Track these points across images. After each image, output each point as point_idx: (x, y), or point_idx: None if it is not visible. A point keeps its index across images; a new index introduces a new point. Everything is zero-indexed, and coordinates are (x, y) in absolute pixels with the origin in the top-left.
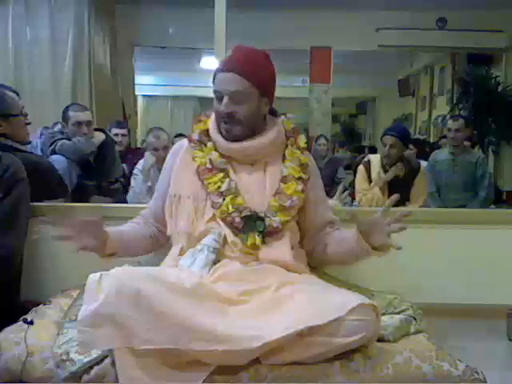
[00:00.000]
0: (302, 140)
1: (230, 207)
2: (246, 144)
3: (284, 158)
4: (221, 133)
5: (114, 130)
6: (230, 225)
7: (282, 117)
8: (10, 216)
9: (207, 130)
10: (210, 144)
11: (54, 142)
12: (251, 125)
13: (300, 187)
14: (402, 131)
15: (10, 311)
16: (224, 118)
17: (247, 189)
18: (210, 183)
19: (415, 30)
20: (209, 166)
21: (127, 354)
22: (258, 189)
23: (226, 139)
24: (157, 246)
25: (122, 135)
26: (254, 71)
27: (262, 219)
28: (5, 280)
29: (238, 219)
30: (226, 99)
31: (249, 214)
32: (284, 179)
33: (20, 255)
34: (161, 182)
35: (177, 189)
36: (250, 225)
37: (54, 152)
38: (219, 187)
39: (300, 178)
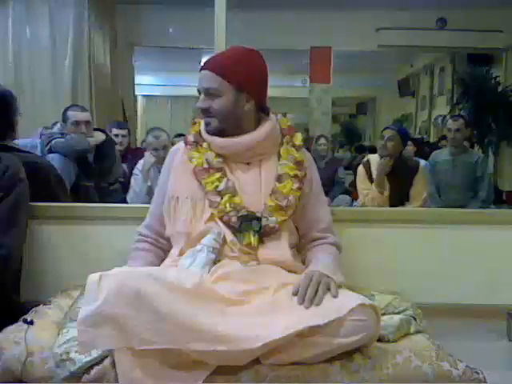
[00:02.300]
0: (297, 138)
1: (228, 206)
2: (235, 140)
3: (279, 156)
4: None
5: (114, 131)
6: (228, 224)
7: (279, 115)
8: (10, 216)
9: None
10: (205, 144)
11: (50, 141)
12: (228, 119)
13: (296, 185)
14: (401, 128)
15: (9, 311)
16: (203, 113)
17: (243, 188)
18: (207, 183)
19: (415, 30)
20: (206, 165)
21: (127, 354)
22: (254, 188)
23: (208, 132)
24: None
25: (122, 136)
26: (228, 68)
27: (258, 219)
28: (4, 280)
29: (234, 219)
30: (202, 95)
31: (245, 213)
32: (279, 178)
33: (19, 255)
34: (161, 184)
35: (175, 190)
36: (246, 224)
37: (50, 151)
38: (217, 186)
39: (296, 176)
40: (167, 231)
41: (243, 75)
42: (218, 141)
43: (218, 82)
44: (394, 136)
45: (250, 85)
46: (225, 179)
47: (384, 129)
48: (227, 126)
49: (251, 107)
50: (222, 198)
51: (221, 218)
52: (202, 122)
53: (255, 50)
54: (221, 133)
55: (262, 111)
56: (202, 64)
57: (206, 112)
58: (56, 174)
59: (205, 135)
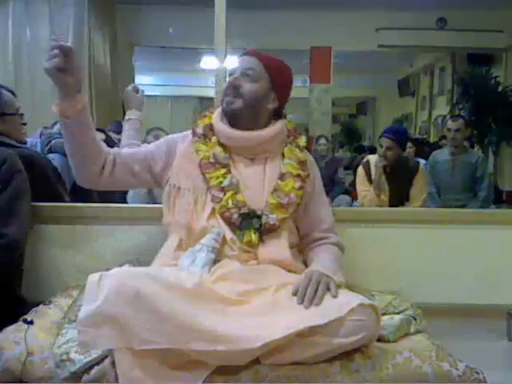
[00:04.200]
0: (301, 139)
1: (230, 203)
2: (253, 134)
3: (283, 156)
4: (226, 123)
5: (112, 135)
6: (228, 221)
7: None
8: (10, 207)
9: (211, 125)
10: (214, 138)
11: (50, 141)
12: (252, 106)
13: (298, 184)
14: (398, 133)
15: (10, 304)
16: (229, 90)
17: (246, 184)
18: (212, 177)
19: (415, 30)
20: (212, 160)
21: (127, 354)
22: (256, 185)
23: (225, 112)
24: (103, 168)
25: (120, 140)
26: (272, 63)
27: (259, 217)
28: (6, 270)
29: (235, 216)
30: (237, 73)
31: (246, 211)
32: (282, 176)
33: (21, 246)
34: (156, 147)
35: (177, 180)
36: (247, 222)
37: (50, 151)
38: (221, 182)
39: (298, 176)
40: (165, 219)
41: (281, 77)
42: (228, 131)
43: (259, 67)
44: (391, 145)
45: (281, 88)
46: (229, 176)
47: (381, 135)
48: (245, 115)
49: (272, 109)
50: (224, 194)
51: (222, 214)
52: (214, 116)
53: None
54: (234, 121)
55: (277, 116)
56: (246, 51)
57: (233, 90)
58: (53, 168)
59: (216, 124)
